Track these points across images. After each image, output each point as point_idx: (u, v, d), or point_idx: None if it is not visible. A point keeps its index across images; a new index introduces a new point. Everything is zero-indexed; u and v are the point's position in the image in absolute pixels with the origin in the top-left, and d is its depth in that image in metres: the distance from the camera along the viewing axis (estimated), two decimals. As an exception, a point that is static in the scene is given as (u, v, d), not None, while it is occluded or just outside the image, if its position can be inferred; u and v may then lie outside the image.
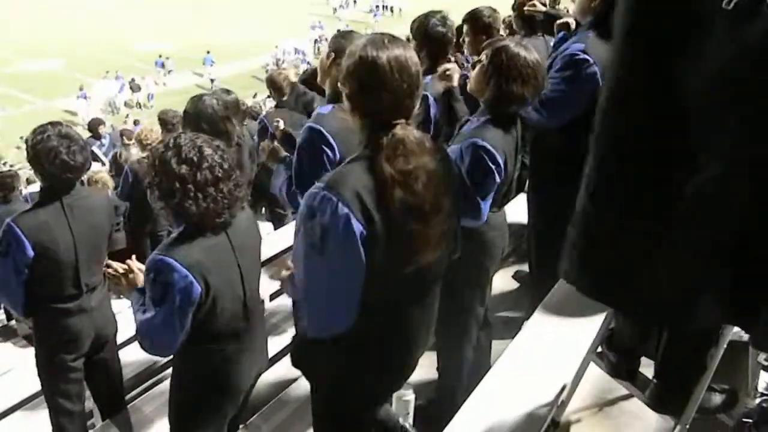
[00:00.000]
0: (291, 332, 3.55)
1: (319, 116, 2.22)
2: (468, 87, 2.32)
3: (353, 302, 1.46)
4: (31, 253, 2.35)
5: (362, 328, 1.50)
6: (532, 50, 2.19)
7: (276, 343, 3.51)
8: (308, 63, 25.89)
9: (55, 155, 2.34)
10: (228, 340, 1.99)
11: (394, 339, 1.60)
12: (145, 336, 1.87)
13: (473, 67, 2.30)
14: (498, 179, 2.17)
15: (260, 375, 2.21)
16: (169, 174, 1.80)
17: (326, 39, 26.70)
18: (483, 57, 2.22)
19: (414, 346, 1.68)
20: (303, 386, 2.70)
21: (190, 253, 1.81)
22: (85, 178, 7.03)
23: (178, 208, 1.82)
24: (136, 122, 16.88)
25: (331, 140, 2.17)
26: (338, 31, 2.75)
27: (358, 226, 1.38)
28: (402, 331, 1.61)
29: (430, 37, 2.85)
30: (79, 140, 2.43)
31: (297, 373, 2.95)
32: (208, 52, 26.42)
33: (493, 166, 2.13)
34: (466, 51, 3.63)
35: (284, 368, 3.12)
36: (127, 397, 3.11)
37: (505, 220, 2.58)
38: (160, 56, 26.69)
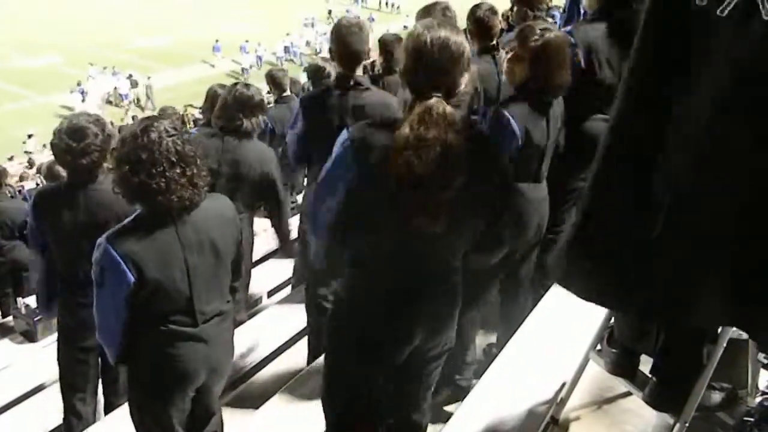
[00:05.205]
0: (293, 326, 3.56)
1: None
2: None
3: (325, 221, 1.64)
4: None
5: (359, 277, 1.67)
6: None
7: (276, 338, 3.52)
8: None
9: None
10: (169, 334, 1.90)
11: (388, 295, 1.63)
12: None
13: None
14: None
15: (218, 371, 2.08)
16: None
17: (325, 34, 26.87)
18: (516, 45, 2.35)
19: (410, 321, 1.65)
20: (309, 376, 2.69)
21: (128, 242, 1.80)
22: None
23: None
24: (134, 118, 16.83)
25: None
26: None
27: (352, 167, 1.53)
28: (396, 295, 1.62)
29: None
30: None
31: (302, 364, 2.95)
32: (247, 41, 27.53)
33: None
34: None
35: (291, 362, 3.13)
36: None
37: (546, 198, 2.52)
38: (217, 41, 27.62)
